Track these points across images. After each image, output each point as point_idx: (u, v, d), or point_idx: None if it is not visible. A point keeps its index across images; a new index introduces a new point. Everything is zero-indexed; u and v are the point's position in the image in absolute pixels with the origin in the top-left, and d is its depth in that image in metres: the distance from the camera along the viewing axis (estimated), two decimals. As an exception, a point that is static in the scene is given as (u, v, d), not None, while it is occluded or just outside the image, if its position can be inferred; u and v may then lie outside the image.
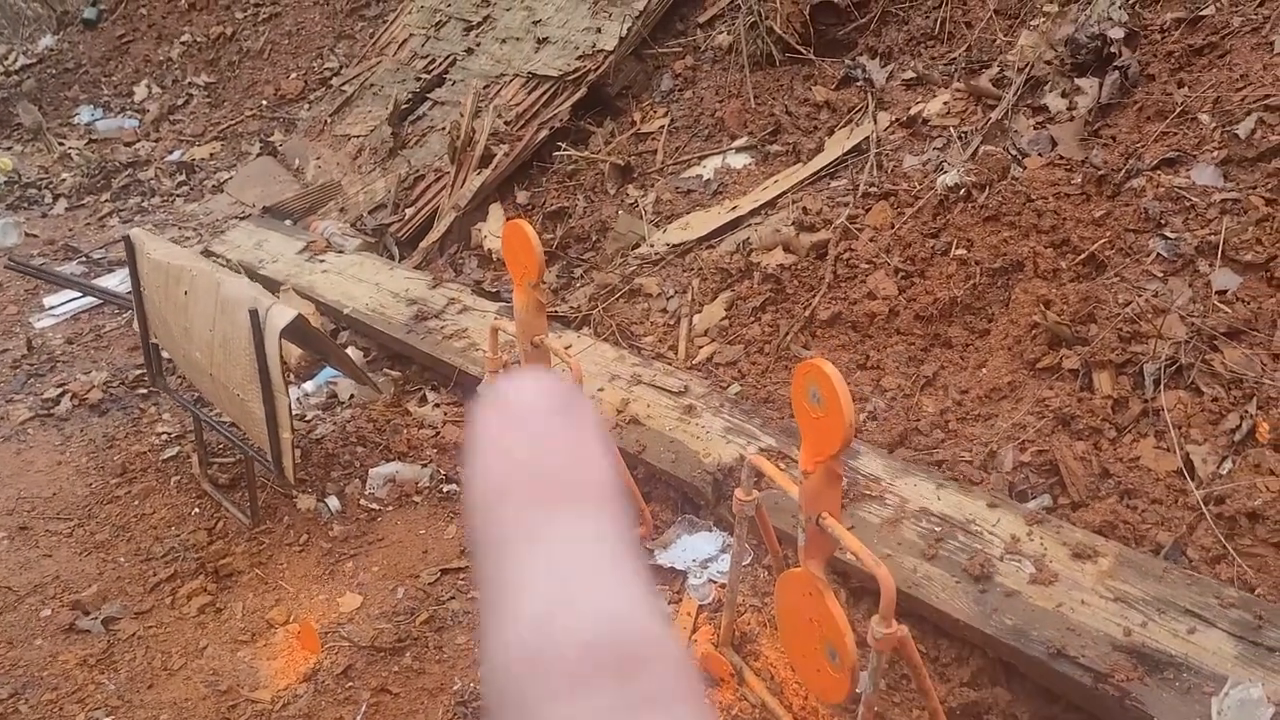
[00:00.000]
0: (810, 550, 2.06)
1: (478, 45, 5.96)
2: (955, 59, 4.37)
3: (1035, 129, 3.75)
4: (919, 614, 2.49)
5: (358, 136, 6.05)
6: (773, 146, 4.58)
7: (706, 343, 3.76)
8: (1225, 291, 2.94)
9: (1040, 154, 3.62)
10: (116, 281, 5.18)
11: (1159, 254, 3.09)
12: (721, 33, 5.21)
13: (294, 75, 7.48)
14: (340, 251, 4.92)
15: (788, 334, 3.57)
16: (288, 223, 5.49)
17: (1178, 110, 3.44)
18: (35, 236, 6.12)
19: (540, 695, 0.29)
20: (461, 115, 5.27)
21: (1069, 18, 4.01)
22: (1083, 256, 3.21)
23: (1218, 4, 3.67)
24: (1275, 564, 2.44)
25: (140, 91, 8.12)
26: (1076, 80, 3.78)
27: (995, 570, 2.49)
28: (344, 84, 6.60)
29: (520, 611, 0.31)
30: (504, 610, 0.31)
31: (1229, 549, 2.48)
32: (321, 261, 4.84)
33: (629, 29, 5.22)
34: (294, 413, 3.41)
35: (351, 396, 4.05)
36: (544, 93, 5.30)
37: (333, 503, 3.47)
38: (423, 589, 3.08)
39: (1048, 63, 3.93)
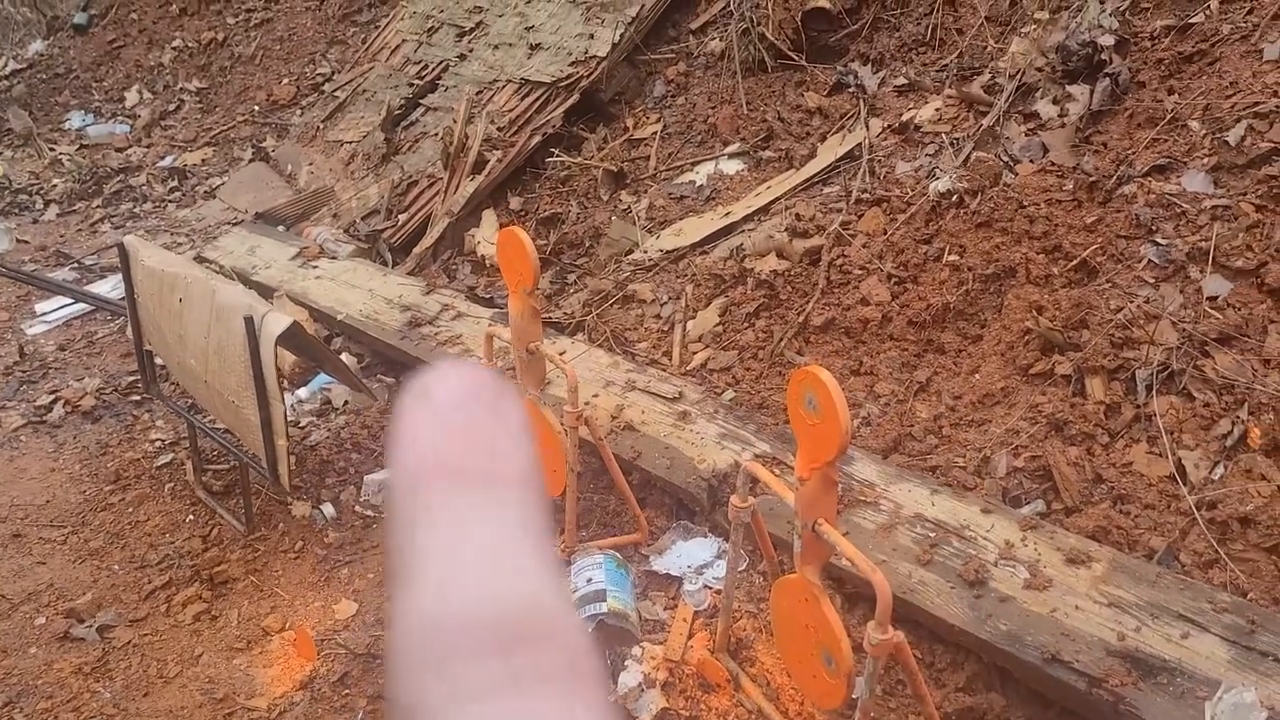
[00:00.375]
0: (806, 556, 2.07)
1: (470, 51, 5.96)
2: (947, 66, 4.40)
3: (1027, 135, 3.78)
4: (914, 619, 2.50)
5: (350, 142, 6.05)
6: (765, 153, 4.59)
7: (700, 349, 3.76)
8: (1216, 297, 2.96)
9: (1032, 160, 3.65)
10: (108, 288, 5.17)
11: (1150, 260, 3.12)
12: (714, 39, 5.23)
13: (286, 81, 7.48)
14: (333, 257, 4.92)
15: (781, 340, 3.59)
16: (280, 229, 5.48)
17: (1168, 117, 3.46)
18: (26, 243, 6.11)
19: (437, 666, 0.30)
20: (454, 121, 5.27)
21: (1060, 25, 4.04)
22: (1074, 262, 3.23)
23: (1207, 12, 3.69)
24: (1267, 569, 2.46)
25: (131, 97, 8.10)
26: (1067, 87, 3.81)
27: (989, 576, 2.50)
28: (336, 90, 6.60)
29: (420, 588, 0.32)
30: (407, 588, 0.32)
31: (1221, 554, 2.50)
32: (315, 267, 4.84)
33: (622, 35, 5.23)
34: (289, 419, 3.41)
35: (346, 403, 4.05)
36: (537, 99, 5.31)
37: (328, 509, 3.47)
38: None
39: (1039, 70, 3.96)
